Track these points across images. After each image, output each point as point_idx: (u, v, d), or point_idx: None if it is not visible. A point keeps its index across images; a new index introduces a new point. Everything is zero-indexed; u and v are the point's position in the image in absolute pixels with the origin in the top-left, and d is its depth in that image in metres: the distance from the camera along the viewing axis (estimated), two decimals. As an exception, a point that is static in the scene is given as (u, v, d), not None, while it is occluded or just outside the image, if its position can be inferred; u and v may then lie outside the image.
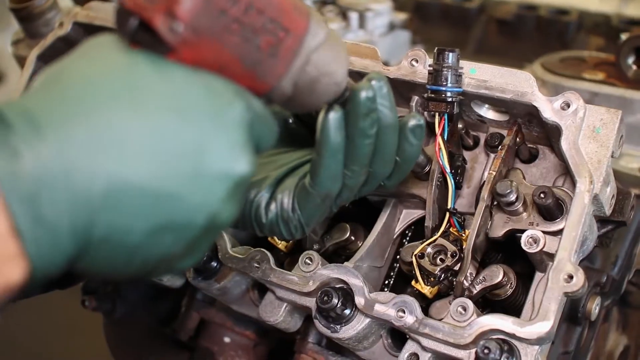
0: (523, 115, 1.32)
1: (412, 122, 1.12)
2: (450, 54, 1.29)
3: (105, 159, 0.81)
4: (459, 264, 1.29)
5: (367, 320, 1.28)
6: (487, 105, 1.37)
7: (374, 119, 1.06)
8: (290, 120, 1.30)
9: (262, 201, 1.14)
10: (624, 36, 1.90)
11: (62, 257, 0.81)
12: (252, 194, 1.15)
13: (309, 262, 1.35)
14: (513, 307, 1.29)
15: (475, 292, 1.27)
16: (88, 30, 1.71)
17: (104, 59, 0.87)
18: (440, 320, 1.23)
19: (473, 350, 1.18)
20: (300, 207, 1.13)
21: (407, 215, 1.45)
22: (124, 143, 0.82)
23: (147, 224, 0.84)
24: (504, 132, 1.38)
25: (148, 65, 0.86)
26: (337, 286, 1.30)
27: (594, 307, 1.39)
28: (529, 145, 1.38)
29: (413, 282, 1.31)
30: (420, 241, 1.33)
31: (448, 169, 1.31)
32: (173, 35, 0.84)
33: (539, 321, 1.14)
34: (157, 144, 0.83)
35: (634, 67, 1.84)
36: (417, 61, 1.36)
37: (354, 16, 2.17)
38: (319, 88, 0.98)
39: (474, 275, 1.28)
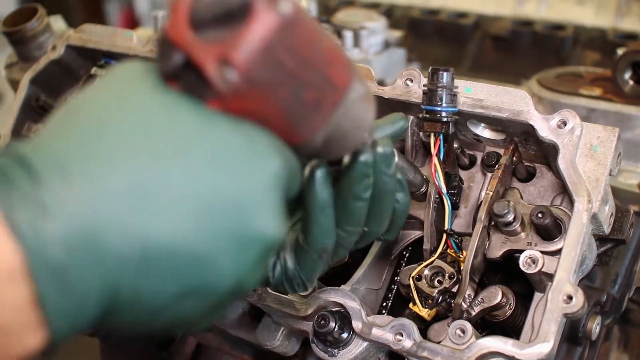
0: (519, 134, 1.31)
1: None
2: (445, 74, 1.28)
3: (142, 215, 0.74)
4: (457, 286, 1.28)
5: (365, 344, 1.27)
6: (483, 124, 1.36)
7: (368, 185, 1.03)
8: None
9: (271, 261, 1.10)
10: (620, 51, 1.89)
11: (86, 322, 0.76)
12: None
13: (306, 285, 1.34)
14: (512, 328, 1.28)
15: (473, 313, 1.25)
16: (81, 53, 1.71)
17: (137, 96, 0.80)
18: (438, 343, 1.22)
19: (473, 374, 1.16)
20: (300, 265, 1.09)
21: (404, 236, 1.43)
22: (161, 198, 0.75)
23: (176, 288, 0.79)
24: (501, 151, 1.37)
25: (188, 111, 0.79)
26: (334, 310, 1.29)
27: (595, 326, 1.37)
28: (526, 164, 1.37)
29: (411, 305, 1.30)
30: (418, 263, 1.31)
31: (444, 190, 1.30)
32: (225, 83, 0.77)
33: (538, 343, 1.13)
34: (196, 200, 0.77)
35: (631, 83, 1.83)
36: (411, 80, 1.35)
37: (348, 35, 2.17)
38: (348, 139, 0.94)
39: (472, 297, 1.27)
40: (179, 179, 0.77)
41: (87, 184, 0.73)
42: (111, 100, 0.80)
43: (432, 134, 1.30)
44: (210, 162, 0.79)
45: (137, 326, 0.83)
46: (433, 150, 1.30)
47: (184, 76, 0.79)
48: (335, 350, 1.28)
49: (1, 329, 0.70)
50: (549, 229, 1.23)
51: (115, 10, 5.48)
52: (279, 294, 1.34)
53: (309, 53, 0.81)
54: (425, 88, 1.30)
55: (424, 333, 1.27)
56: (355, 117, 0.91)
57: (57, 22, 2.16)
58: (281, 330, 1.38)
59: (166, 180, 0.76)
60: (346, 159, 1.01)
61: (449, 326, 1.22)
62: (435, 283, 1.29)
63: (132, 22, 4.89)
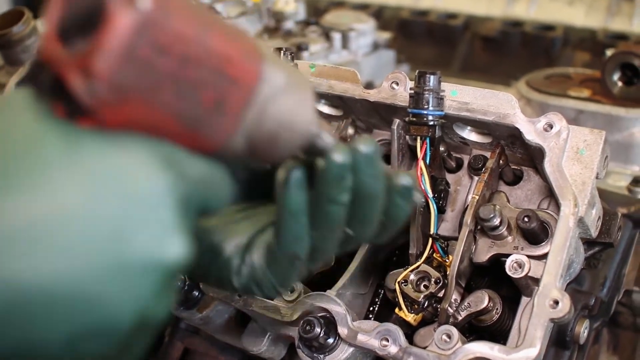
0: (506, 137, 1.30)
1: (400, 182, 0.98)
2: (432, 77, 1.27)
3: (3, 257, 0.66)
4: (443, 291, 1.27)
5: (351, 349, 1.26)
6: (469, 128, 1.35)
7: (345, 187, 0.92)
8: (269, 167, 1.19)
9: (235, 264, 1.02)
10: (608, 52, 1.88)
11: None
12: (226, 254, 1.03)
13: (291, 290, 1.33)
14: (500, 332, 1.27)
15: (460, 318, 1.24)
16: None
17: (6, 127, 0.73)
18: (424, 348, 1.21)
19: (459, 379, 1.16)
20: (270, 269, 1.00)
21: (391, 241, 1.42)
22: (22, 236, 0.67)
23: (64, 334, 0.70)
24: (488, 154, 1.36)
25: (56, 136, 0.71)
26: (320, 315, 1.28)
27: (583, 330, 1.37)
28: (513, 167, 1.36)
29: (397, 310, 1.29)
30: (404, 268, 1.31)
31: (430, 194, 1.29)
32: (91, 96, 0.69)
33: (524, 348, 1.12)
34: (63, 234, 0.68)
35: (619, 84, 1.82)
36: (397, 84, 1.34)
37: (337, 36, 2.16)
38: (280, 142, 0.83)
39: (458, 302, 1.26)
40: (41, 214, 0.68)
41: None
42: None
43: (418, 138, 1.29)
44: (76, 190, 0.70)
45: None
46: (419, 154, 1.29)
47: (63, 94, 0.70)
48: (321, 356, 1.27)
49: None
50: (536, 233, 1.22)
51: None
52: (265, 299, 1.34)
53: (188, 49, 0.72)
54: (412, 91, 1.29)
55: (410, 338, 1.26)
56: (280, 115, 0.81)
57: (45, 25, 2.14)
58: (267, 336, 1.37)
59: (25, 216, 0.68)
60: (321, 162, 0.90)
61: (435, 331, 1.21)
62: (422, 288, 1.29)
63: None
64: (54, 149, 0.71)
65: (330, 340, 1.26)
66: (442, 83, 1.29)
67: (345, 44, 2.18)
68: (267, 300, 1.33)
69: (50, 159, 0.70)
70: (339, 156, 0.89)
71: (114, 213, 0.71)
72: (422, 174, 1.28)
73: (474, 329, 1.30)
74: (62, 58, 0.69)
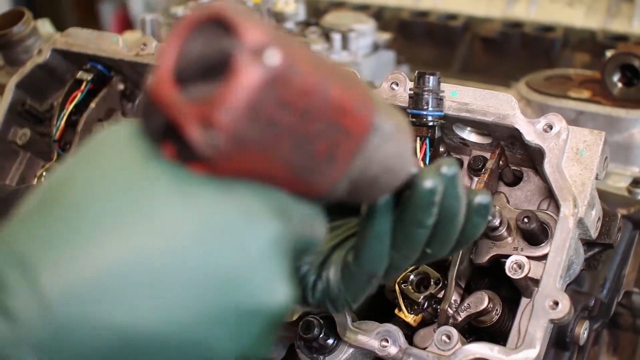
0: (506, 138, 1.30)
1: (479, 201, 0.97)
2: (431, 78, 1.28)
3: (118, 305, 0.67)
4: (443, 291, 1.27)
5: (351, 350, 1.26)
6: (469, 128, 1.35)
7: (433, 212, 0.91)
8: None
9: (311, 279, 1.01)
10: (608, 53, 1.88)
11: None
12: (303, 270, 1.01)
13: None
14: (499, 333, 1.27)
15: (460, 319, 1.25)
16: (67, 57, 1.70)
17: (115, 169, 0.72)
18: (424, 349, 1.21)
19: (458, 380, 1.16)
20: (345, 286, 0.99)
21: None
22: (133, 279, 0.67)
23: None
24: (487, 155, 1.36)
25: (167, 178, 0.71)
26: (320, 315, 1.28)
27: (582, 331, 1.37)
28: (513, 168, 1.36)
29: (396, 311, 1.29)
30: (404, 268, 1.31)
31: (430, 195, 1.29)
32: (209, 147, 0.67)
33: (524, 349, 1.13)
34: (173, 279, 0.69)
35: (619, 85, 1.82)
36: (397, 84, 1.34)
37: (337, 37, 2.15)
38: (378, 185, 0.83)
39: (458, 302, 1.26)
40: (154, 257, 0.69)
41: (51, 281, 0.66)
42: (83, 176, 0.73)
43: (417, 138, 1.29)
44: (187, 239, 0.70)
45: None
46: (419, 155, 1.29)
47: (175, 136, 0.69)
48: (321, 357, 1.27)
49: None
50: (535, 234, 1.22)
51: (110, 11, 5.45)
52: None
53: (310, 103, 0.71)
54: (412, 92, 1.29)
55: (410, 339, 1.26)
56: (384, 161, 0.81)
57: (45, 26, 2.14)
58: (267, 336, 1.37)
59: (144, 264, 0.68)
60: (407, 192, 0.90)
61: (435, 332, 1.22)
62: (421, 288, 1.29)
63: (126, 23, 4.86)
64: (165, 191, 0.71)
65: (330, 341, 1.27)
66: (441, 84, 1.29)
67: (345, 44, 2.17)
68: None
69: (161, 202, 0.70)
70: (429, 182, 0.88)
71: (225, 260, 0.71)
72: (421, 175, 1.28)
73: (474, 329, 1.30)
74: (179, 104, 0.67)
